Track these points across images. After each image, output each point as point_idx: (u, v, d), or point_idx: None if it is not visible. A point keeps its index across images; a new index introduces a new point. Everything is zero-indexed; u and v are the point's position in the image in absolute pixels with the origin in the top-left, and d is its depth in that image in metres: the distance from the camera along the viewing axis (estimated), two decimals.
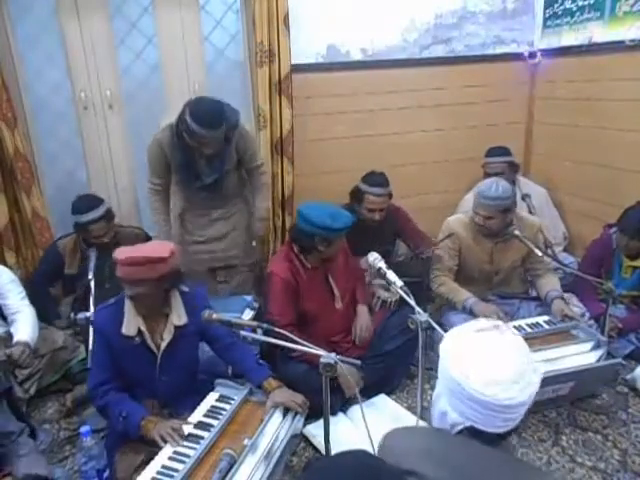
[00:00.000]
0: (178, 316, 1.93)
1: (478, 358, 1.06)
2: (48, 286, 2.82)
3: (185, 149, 2.53)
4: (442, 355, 1.12)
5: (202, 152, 2.52)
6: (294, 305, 2.32)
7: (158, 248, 1.85)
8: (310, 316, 2.38)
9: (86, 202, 2.69)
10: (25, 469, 1.64)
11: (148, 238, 2.92)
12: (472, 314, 2.53)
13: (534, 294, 2.86)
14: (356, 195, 2.92)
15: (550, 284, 2.62)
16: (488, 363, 1.04)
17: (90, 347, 2.06)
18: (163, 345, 1.90)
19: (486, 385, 1.02)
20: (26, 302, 2.43)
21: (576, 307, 2.63)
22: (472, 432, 1.07)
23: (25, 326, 2.33)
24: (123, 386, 1.92)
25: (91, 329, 2.04)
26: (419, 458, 1.05)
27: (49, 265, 2.80)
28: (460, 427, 1.08)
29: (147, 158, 2.70)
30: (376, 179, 2.90)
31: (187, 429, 1.78)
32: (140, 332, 1.87)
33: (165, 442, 1.72)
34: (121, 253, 1.80)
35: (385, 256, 2.45)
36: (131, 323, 1.87)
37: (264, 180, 2.91)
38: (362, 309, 2.53)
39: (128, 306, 1.88)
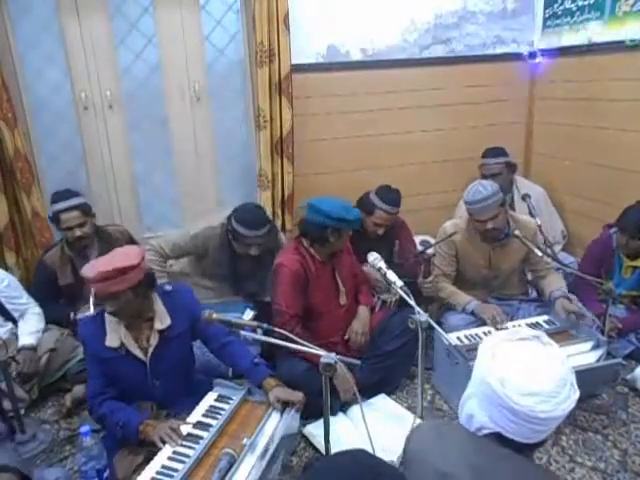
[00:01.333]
0: (160, 320, 1.89)
1: (518, 367, 1.03)
2: (51, 300, 2.69)
3: (232, 255, 2.66)
4: (479, 358, 1.10)
5: (248, 255, 2.61)
6: (302, 298, 2.32)
7: (127, 255, 1.78)
8: (315, 310, 2.38)
9: (61, 193, 2.63)
10: None
11: (131, 240, 2.88)
12: (473, 316, 2.53)
13: (534, 294, 2.86)
14: (366, 205, 2.83)
15: (554, 284, 2.58)
16: (528, 373, 1.02)
17: None
18: (150, 350, 1.88)
19: (523, 395, 1.00)
20: (31, 302, 2.55)
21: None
22: (498, 438, 1.06)
23: (29, 327, 2.46)
24: (119, 394, 1.90)
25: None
26: (439, 459, 1.06)
27: (43, 283, 2.68)
28: (487, 432, 1.07)
29: (185, 236, 2.71)
30: (391, 196, 2.83)
31: (186, 429, 1.78)
32: (123, 343, 1.85)
33: (164, 443, 1.71)
34: (89, 270, 1.72)
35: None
36: (114, 335, 1.84)
37: None
38: (363, 310, 2.52)
39: (109, 318, 1.85)
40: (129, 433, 1.80)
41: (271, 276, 2.41)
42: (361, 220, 2.41)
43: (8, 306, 2.46)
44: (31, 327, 2.48)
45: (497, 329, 2.41)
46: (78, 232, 2.58)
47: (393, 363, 2.45)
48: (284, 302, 2.27)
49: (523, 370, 1.03)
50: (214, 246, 2.69)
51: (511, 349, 1.07)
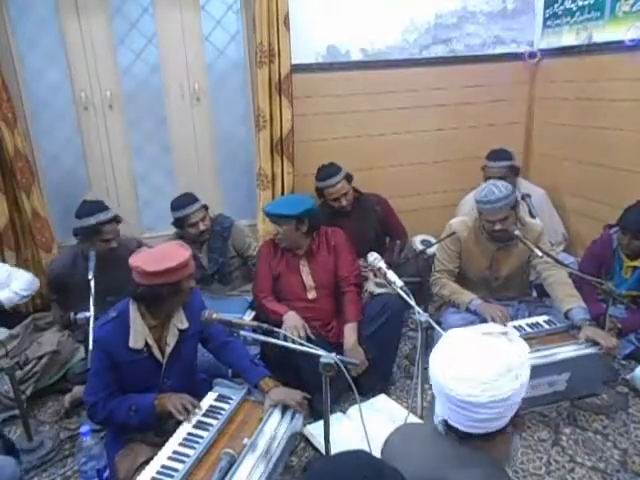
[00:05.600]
0: (180, 320, 1.92)
1: (460, 355, 1.06)
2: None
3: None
4: (436, 349, 1.13)
5: (198, 236, 2.83)
6: (269, 276, 2.51)
7: (177, 251, 1.83)
8: (282, 295, 2.51)
9: (95, 205, 2.59)
10: None
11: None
12: (477, 315, 2.50)
13: (534, 294, 2.86)
14: (319, 193, 3.10)
15: (568, 298, 2.42)
16: (467, 361, 1.04)
17: (89, 359, 1.98)
18: (168, 350, 1.89)
19: (452, 379, 1.04)
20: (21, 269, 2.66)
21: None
22: (447, 426, 1.09)
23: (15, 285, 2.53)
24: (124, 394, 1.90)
25: (91, 345, 1.95)
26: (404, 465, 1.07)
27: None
28: (439, 419, 1.11)
29: None
30: (325, 172, 3.04)
31: (186, 429, 1.78)
32: (147, 344, 1.84)
33: (180, 412, 1.80)
34: (167, 262, 1.75)
35: (377, 248, 2.56)
36: (138, 336, 1.82)
37: None
38: (348, 330, 2.39)
39: (134, 318, 1.83)
40: (145, 411, 1.80)
41: None
42: (268, 214, 2.49)
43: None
44: (15, 287, 2.51)
45: None
46: (114, 244, 2.58)
47: (375, 348, 2.39)
48: (257, 280, 2.54)
49: (464, 358, 1.05)
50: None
51: (467, 340, 1.09)
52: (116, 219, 2.61)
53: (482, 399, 1.01)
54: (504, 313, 2.42)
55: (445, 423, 1.09)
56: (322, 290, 2.51)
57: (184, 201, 2.82)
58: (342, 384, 2.14)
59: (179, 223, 2.84)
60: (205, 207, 2.87)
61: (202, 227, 2.81)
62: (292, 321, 2.27)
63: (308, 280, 2.50)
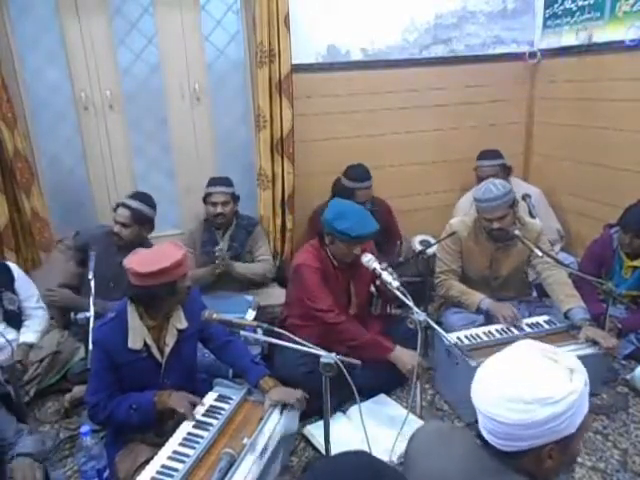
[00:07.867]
0: (179, 319, 1.92)
1: (501, 362, 1.01)
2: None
3: (209, 227, 2.99)
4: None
5: (214, 217, 2.90)
6: (328, 291, 2.29)
7: (169, 254, 1.81)
8: None
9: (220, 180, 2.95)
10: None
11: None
12: (487, 315, 2.50)
13: (534, 294, 2.86)
14: (344, 192, 2.97)
15: (568, 297, 2.43)
16: (505, 373, 0.98)
17: (89, 359, 2.01)
18: (167, 350, 1.89)
19: (475, 380, 1.03)
20: (40, 305, 2.56)
21: None
22: (487, 445, 1.03)
23: (35, 326, 2.48)
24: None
25: (90, 346, 1.97)
26: (437, 463, 1.07)
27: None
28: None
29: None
30: (360, 173, 3.03)
31: (186, 429, 1.78)
32: (146, 344, 1.85)
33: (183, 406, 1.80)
34: (161, 262, 1.75)
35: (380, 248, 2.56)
36: (137, 336, 1.83)
37: (264, 267, 3.02)
38: (399, 349, 2.26)
39: (132, 319, 1.84)
40: (145, 409, 1.80)
41: (291, 277, 2.41)
42: (359, 237, 2.19)
43: (26, 305, 2.51)
44: (36, 326, 2.50)
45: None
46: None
47: (394, 366, 2.39)
48: (325, 304, 2.23)
49: (504, 370, 0.99)
50: (197, 228, 3.01)
51: (529, 355, 1.01)
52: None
53: (484, 411, 0.98)
54: (515, 313, 2.42)
55: (478, 431, 1.05)
56: (360, 303, 2.46)
57: (214, 181, 2.96)
58: (345, 393, 2.16)
59: (204, 198, 2.95)
60: (233, 196, 2.96)
61: (219, 209, 2.89)
62: (414, 360, 2.08)
63: (354, 296, 2.43)
